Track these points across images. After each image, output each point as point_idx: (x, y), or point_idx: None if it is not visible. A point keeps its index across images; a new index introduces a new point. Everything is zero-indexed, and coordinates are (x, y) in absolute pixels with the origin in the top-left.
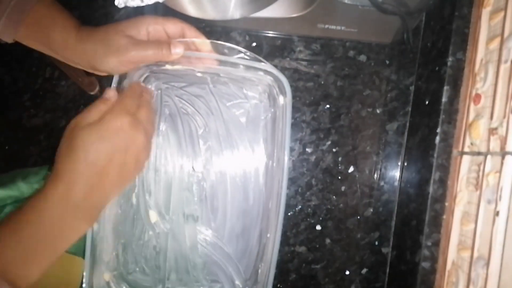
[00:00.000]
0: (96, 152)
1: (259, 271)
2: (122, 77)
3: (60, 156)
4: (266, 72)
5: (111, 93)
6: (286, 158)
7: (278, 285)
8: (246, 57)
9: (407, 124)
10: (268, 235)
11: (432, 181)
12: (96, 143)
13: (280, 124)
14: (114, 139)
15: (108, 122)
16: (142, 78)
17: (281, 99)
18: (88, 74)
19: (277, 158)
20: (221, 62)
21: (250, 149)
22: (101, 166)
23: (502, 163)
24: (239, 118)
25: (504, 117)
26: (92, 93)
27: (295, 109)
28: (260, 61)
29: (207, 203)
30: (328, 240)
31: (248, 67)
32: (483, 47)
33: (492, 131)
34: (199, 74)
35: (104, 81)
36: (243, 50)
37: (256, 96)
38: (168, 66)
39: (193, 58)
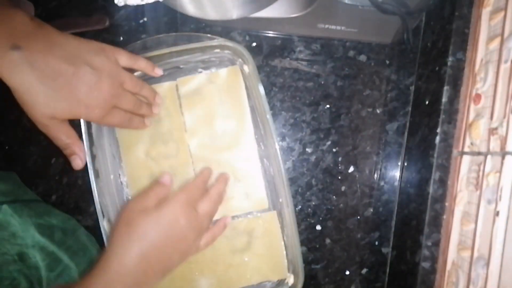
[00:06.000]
0: (150, 242)
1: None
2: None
3: (115, 239)
4: (222, 47)
5: (167, 177)
6: (270, 121)
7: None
8: (198, 39)
9: (407, 124)
10: (280, 200)
11: (432, 181)
12: (152, 233)
13: (254, 92)
14: (169, 231)
15: (166, 211)
16: None
17: (246, 69)
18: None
19: (261, 123)
20: (176, 53)
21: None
22: (152, 255)
23: (502, 163)
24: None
25: (504, 117)
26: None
27: (295, 109)
28: (213, 38)
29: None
30: (328, 240)
31: (204, 49)
32: (483, 47)
33: (492, 131)
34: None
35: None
36: (191, 34)
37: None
38: None
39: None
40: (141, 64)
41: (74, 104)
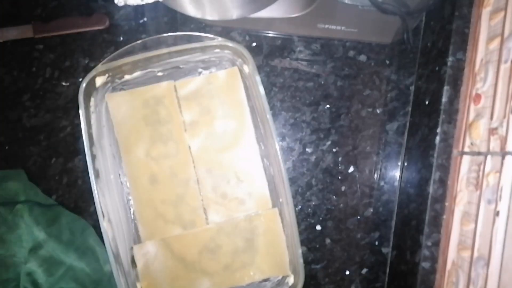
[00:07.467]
0: None
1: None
2: (89, 92)
3: None
4: (222, 47)
5: None
6: (270, 121)
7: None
8: (198, 39)
9: (407, 124)
10: (280, 199)
11: (432, 181)
12: None
13: (254, 92)
14: None
15: None
16: (107, 92)
17: (245, 69)
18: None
19: (261, 123)
20: (176, 53)
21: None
22: None
23: (502, 163)
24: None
25: (504, 117)
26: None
27: (295, 109)
28: (213, 38)
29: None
30: (328, 240)
31: (204, 49)
32: (483, 47)
33: (492, 131)
34: (160, 74)
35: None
36: (191, 34)
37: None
38: (127, 76)
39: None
40: None
41: None
